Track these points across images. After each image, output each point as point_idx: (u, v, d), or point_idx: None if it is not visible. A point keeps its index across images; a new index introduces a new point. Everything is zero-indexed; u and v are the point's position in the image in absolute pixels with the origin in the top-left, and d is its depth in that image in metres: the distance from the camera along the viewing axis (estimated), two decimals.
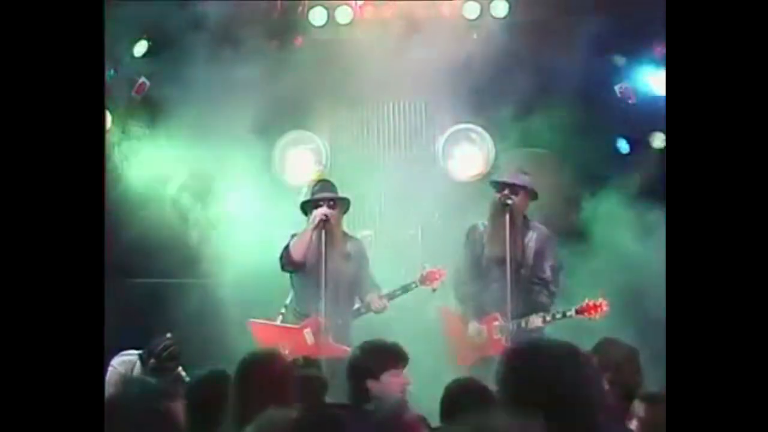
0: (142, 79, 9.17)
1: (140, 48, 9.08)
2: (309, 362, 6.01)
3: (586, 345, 4.80)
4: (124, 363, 6.86)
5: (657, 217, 7.63)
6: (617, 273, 8.00)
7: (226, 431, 4.39)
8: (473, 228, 7.88)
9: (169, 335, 6.87)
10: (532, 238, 7.64)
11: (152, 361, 6.73)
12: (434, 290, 7.82)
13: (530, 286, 7.53)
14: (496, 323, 7.53)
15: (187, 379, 6.51)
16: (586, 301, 7.31)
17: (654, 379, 4.93)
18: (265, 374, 4.57)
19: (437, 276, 7.77)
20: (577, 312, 7.30)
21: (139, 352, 6.87)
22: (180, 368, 6.74)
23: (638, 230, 8.14)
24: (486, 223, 7.75)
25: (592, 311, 7.27)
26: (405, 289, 7.82)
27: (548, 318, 7.41)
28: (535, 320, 7.40)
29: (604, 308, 7.26)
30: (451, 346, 7.86)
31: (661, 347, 3.69)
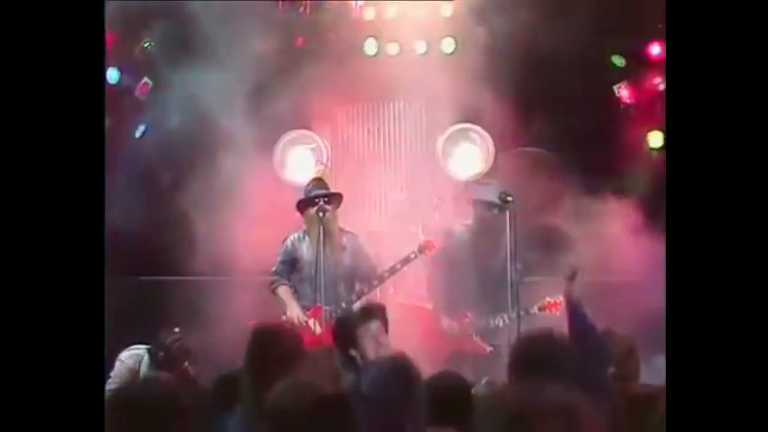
0: (145, 80, 9.18)
1: (143, 48, 9.08)
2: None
3: None
4: (132, 356, 6.97)
5: (656, 217, 7.64)
6: (613, 272, 8.06)
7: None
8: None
9: (177, 329, 6.95)
10: (508, 239, 7.75)
11: (161, 354, 6.81)
12: None
13: (498, 288, 7.65)
14: (467, 320, 7.84)
15: (193, 373, 6.60)
16: (547, 299, 7.55)
17: None
18: (276, 343, 4.63)
19: (435, 245, 7.85)
20: (539, 309, 7.54)
21: (147, 346, 6.95)
22: (187, 362, 6.81)
23: (635, 230, 8.14)
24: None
25: (552, 308, 7.47)
26: (404, 261, 7.90)
27: (512, 315, 7.53)
28: (502, 318, 7.68)
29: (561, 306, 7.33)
30: (425, 340, 7.88)
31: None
